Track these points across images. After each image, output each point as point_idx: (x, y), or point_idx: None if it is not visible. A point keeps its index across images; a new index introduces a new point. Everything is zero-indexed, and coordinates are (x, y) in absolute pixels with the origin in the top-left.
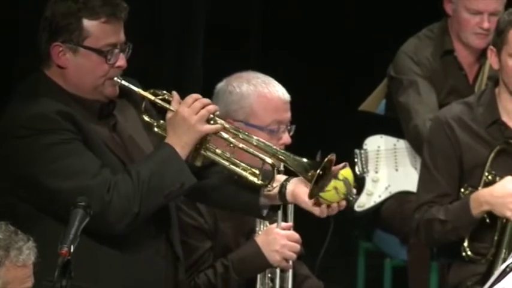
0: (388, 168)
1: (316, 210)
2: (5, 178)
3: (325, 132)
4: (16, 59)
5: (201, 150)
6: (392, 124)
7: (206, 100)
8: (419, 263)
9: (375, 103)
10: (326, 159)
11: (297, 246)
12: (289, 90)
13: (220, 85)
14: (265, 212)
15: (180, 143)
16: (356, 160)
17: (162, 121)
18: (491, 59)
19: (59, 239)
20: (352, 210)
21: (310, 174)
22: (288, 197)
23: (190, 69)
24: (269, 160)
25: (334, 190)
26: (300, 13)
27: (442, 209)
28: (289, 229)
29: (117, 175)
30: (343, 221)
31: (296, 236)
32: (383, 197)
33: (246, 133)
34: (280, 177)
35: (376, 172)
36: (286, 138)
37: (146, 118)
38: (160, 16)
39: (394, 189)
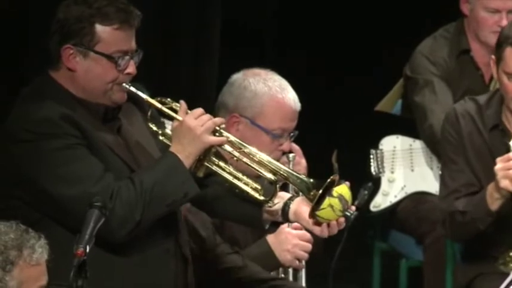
0: (404, 169)
1: (317, 230)
2: (8, 181)
3: (341, 133)
4: (25, 60)
5: (204, 161)
6: (408, 124)
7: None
8: (435, 263)
9: (391, 103)
10: (328, 180)
11: (309, 246)
12: (304, 89)
13: (237, 76)
14: (267, 226)
15: (184, 153)
16: (372, 160)
17: (167, 130)
18: (492, 67)
19: (62, 243)
20: (369, 210)
21: (312, 193)
22: (291, 216)
23: (206, 69)
24: (271, 177)
25: (330, 208)
26: (315, 12)
27: (464, 201)
28: (300, 229)
29: (120, 182)
30: (358, 222)
31: (308, 235)
32: (399, 197)
33: (251, 148)
34: (284, 195)
35: (392, 172)
36: (286, 145)
37: (152, 126)
38: (176, 16)
39: (410, 189)
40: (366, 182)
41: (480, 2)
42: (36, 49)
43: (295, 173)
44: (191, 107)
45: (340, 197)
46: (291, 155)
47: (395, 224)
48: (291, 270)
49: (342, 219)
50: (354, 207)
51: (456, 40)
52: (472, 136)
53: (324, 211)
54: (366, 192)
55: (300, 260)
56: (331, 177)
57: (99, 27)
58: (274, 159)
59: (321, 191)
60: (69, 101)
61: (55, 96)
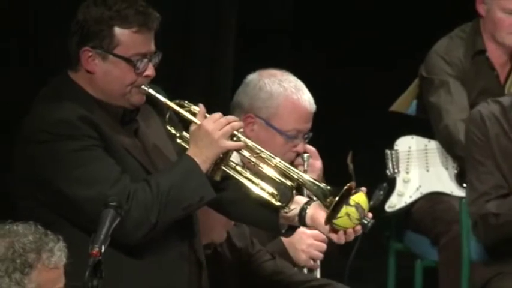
0: (419, 169)
1: (334, 237)
2: (25, 182)
3: (356, 133)
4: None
5: (221, 165)
6: (423, 125)
7: (232, 117)
8: (450, 263)
9: (406, 104)
10: (345, 187)
11: (323, 246)
12: (320, 90)
13: (252, 77)
14: (283, 230)
15: (201, 157)
16: (387, 160)
17: (185, 133)
18: None
19: (77, 244)
20: (384, 210)
21: (328, 200)
22: (307, 220)
23: (221, 69)
24: (288, 182)
25: (346, 216)
26: (330, 11)
27: (496, 203)
28: (315, 228)
29: (137, 184)
30: (376, 220)
31: (322, 235)
32: (414, 198)
33: (268, 153)
34: (301, 199)
35: (407, 173)
36: (301, 147)
37: (170, 129)
38: (193, 17)
39: (425, 189)
40: (381, 183)
41: (497, 2)
42: (48, 48)
43: (312, 180)
44: (207, 107)
45: (357, 206)
46: (305, 155)
47: (410, 224)
48: (305, 270)
49: (359, 227)
50: (370, 215)
51: (472, 40)
52: (499, 138)
53: (341, 219)
54: (381, 192)
55: (314, 260)
56: (348, 184)
57: (117, 30)
58: (288, 160)
59: (337, 199)
60: (88, 102)
61: (74, 97)
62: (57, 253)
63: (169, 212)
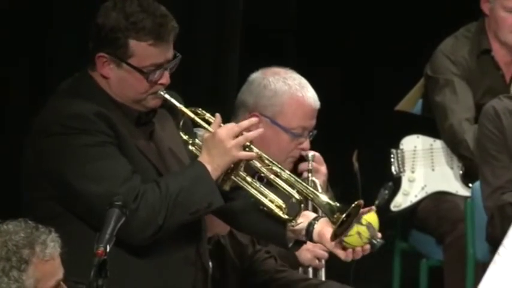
0: (425, 168)
1: (341, 254)
2: (36, 174)
3: (362, 133)
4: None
5: (231, 175)
6: (428, 124)
7: (245, 124)
8: (455, 262)
9: (411, 103)
10: (353, 205)
11: None
12: (325, 90)
13: (256, 75)
14: (290, 244)
15: (213, 164)
16: (392, 160)
17: (197, 140)
18: None
19: (83, 239)
20: (389, 210)
21: (335, 216)
22: (315, 236)
23: (226, 72)
24: (297, 196)
25: (357, 235)
26: (334, 14)
27: None
28: None
29: (146, 184)
30: (379, 221)
31: None
32: (419, 197)
33: (279, 166)
34: (309, 214)
35: (413, 172)
36: (306, 144)
37: (183, 135)
38: (198, 16)
39: (431, 189)
40: (386, 182)
41: (499, 1)
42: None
43: (320, 195)
44: (213, 107)
45: (369, 225)
46: (310, 155)
47: (415, 223)
48: (310, 270)
49: (368, 246)
50: (380, 235)
51: (477, 40)
52: None
53: (351, 238)
54: (387, 191)
55: (319, 259)
56: (356, 202)
57: (133, 42)
58: (293, 157)
59: (344, 215)
60: (105, 100)
61: (91, 94)
62: (51, 244)
63: (176, 215)
